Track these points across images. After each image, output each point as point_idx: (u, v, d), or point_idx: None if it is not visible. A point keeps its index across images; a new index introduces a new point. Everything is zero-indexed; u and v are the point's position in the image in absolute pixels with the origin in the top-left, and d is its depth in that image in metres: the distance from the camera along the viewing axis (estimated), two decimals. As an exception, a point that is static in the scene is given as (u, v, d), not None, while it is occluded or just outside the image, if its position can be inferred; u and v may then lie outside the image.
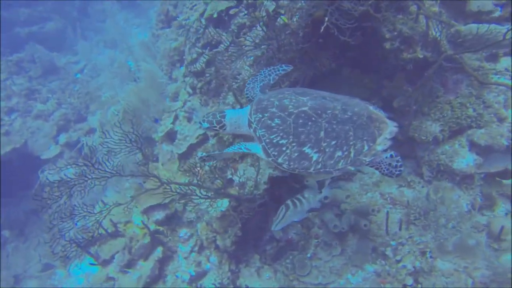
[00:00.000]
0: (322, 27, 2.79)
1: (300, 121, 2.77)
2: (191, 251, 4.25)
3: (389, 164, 2.93)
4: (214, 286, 3.78)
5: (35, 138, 8.18)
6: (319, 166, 2.76)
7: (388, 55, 3.89)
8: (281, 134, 2.79)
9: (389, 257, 3.68)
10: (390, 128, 2.85)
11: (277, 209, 3.47)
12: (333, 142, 2.74)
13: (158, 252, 4.07)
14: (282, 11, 3.30)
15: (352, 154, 2.76)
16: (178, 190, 3.19)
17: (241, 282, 4.04)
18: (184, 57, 5.46)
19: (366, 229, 4.14)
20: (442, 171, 4.27)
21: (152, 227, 4.14)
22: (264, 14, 3.29)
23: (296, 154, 2.77)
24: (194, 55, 4.84)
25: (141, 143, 3.86)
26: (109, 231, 3.76)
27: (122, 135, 3.70)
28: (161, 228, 4.16)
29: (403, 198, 4.48)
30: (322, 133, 2.74)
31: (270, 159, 2.85)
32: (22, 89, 9.11)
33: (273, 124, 2.82)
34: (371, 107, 2.98)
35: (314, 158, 2.75)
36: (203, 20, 4.75)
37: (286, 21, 3.16)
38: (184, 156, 4.50)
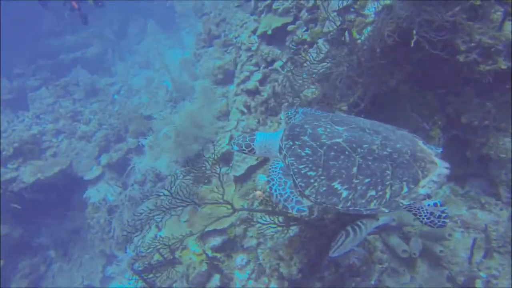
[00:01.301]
0: (412, 41, 2.60)
1: (332, 153, 2.56)
2: (249, 279, 4.03)
3: (431, 214, 2.62)
4: (278, 318, 3.53)
5: (79, 159, 8.39)
6: (348, 204, 2.52)
7: (461, 69, 3.61)
8: (310, 166, 2.60)
9: (480, 291, 3.29)
10: (440, 169, 2.54)
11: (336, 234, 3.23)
12: (367, 180, 2.48)
13: (216, 280, 3.88)
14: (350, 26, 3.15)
15: (387, 195, 2.47)
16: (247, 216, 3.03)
17: (304, 314, 3.75)
18: (234, 75, 5.41)
19: (441, 256, 3.77)
20: (525, 192, 3.86)
21: (209, 253, 3.98)
22: (330, 28, 3.15)
23: (324, 189, 2.55)
24: (247, 73, 4.77)
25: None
26: (167, 258, 3.63)
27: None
28: (218, 255, 3.99)
29: (477, 222, 4.07)
30: (355, 169, 2.50)
31: (297, 190, 2.65)
32: (68, 111, 9.46)
33: (303, 154, 2.64)
34: (420, 142, 2.70)
35: (344, 195, 2.51)
36: (255, 38, 4.69)
37: (355, 36, 3.00)
38: (241, 179, 4.35)
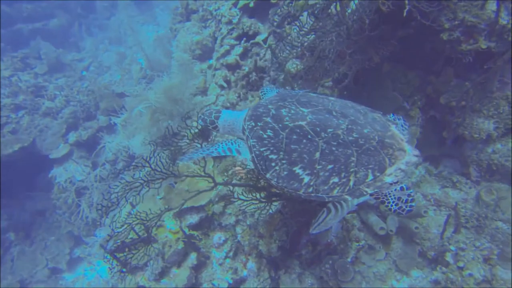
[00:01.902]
0: (405, 11, 2.52)
1: (294, 137, 2.45)
2: (226, 257, 3.95)
3: (398, 199, 2.53)
4: (256, 295, 3.50)
5: (43, 137, 7.82)
6: (310, 190, 2.44)
7: (444, 47, 3.63)
8: (271, 149, 2.50)
9: (450, 263, 3.41)
10: (408, 157, 2.46)
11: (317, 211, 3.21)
12: (330, 166, 2.40)
13: (192, 258, 3.76)
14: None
15: (351, 183, 2.40)
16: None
17: (282, 290, 3.74)
18: (214, 50, 5.16)
19: (416, 232, 3.88)
20: (494, 171, 4.02)
21: (186, 231, 3.83)
22: (315, 0, 3.03)
23: (285, 173, 2.46)
24: (227, 47, 4.55)
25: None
26: (141, 236, 3.45)
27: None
28: (195, 233, 3.86)
29: (448, 200, 4.22)
30: (317, 154, 2.41)
31: (260, 172, 2.56)
32: (28, 85, 8.73)
33: (265, 136, 2.53)
34: (392, 127, 2.61)
35: (305, 181, 2.43)
36: (236, 10, 4.46)
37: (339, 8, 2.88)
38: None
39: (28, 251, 7.95)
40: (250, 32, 4.37)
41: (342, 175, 2.41)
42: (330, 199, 2.47)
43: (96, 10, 15.82)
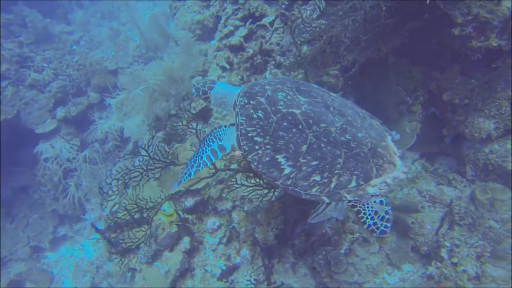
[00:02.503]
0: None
1: (285, 124, 2.32)
2: (219, 243, 3.89)
3: (375, 213, 2.43)
4: (250, 283, 3.45)
5: (29, 110, 7.48)
6: (288, 182, 2.32)
7: (453, 43, 3.58)
8: (258, 130, 2.38)
9: (445, 259, 3.44)
10: (397, 173, 2.34)
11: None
12: (314, 163, 2.28)
13: (186, 243, 3.67)
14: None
15: (332, 185, 2.28)
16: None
17: (276, 279, 3.72)
18: (216, 30, 4.96)
19: (412, 227, 3.90)
20: (490, 171, 4.06)
21: (180, 214, 3.73)
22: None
23: (267, 159, 2.34)
24: (231, 28, 4.37)
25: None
26: (136, 217, 3.33)
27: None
28: (189, 217, 3.76)
29: (443, 197, 4.26)
30: (304, 147, 2.28)
31: (240, 152, 2.45)
32: (12, 54, 8.28)
33: (255, 116, 2.41)
34: (388, 139, 2.50)
35: (286, 172, 2.31)
36: (243, -9, 4.27)
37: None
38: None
39: (8, 228, 7.70)
40: (257, 14, 4.19)
41: (325, 174, 2.29)
42: (307, 196, 2.35)
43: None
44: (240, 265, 3.80)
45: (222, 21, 4.61)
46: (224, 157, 3.74)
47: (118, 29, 10.91)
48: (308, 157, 2.29)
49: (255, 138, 2.38)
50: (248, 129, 2.41)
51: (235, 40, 4.34)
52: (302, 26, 3.45)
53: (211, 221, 3.88)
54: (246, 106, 2.46)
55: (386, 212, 2.44)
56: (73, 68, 8.13)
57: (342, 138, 2.31)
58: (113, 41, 9.83)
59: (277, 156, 2.32)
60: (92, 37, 11.12)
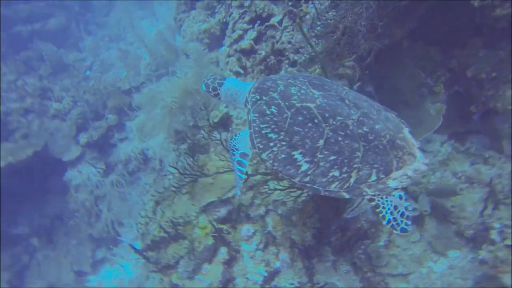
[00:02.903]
0: None
1: (300, 118, 2.24)
2: (256, 249, 3.87)
3: (395, 207, 2.29)
4: (293, 286, 3.42)
5: (55, 140, 7.74)
6: (306, 179, 2.24)
7: (474, 16, 3.42)
8: (272, 127, 2.29)
9: (497, 241, 3.29)
10: (418, 164, 2.25)
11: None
12: (332, 158, 2.19)
13: (223, 253, 3.69)
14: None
15: (352, 180, 2.20)
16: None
17: (318, 279, 3.67)
18: (224, 37, 4.96)
19: (452, 211, 3.76)
20: (529, 143, 3.85)
21: (215, 226, 3.74)
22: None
23: (283, 156, 2.26)
24: (240, 32, 4.36)
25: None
26: (171, 234, 3.37)
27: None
28: (223, 227, 3.77)
29: (481, 176, 4.07)
30: (321, 142, 2.20)
31: (254, 150, 2.36)
32: (35, 89, 8.63)
33: (268, 112, 2.32)
34: (405, 130, 2.40)
35: (303, 168, 2.23)
36: (247, -7, 4.25)
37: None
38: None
39: (52, 256, 7.99)
40: (264, 15, 4.16)
41: (344, 169, 2.21)
42: (327, 193, 2.27)
43: (93, 8, 15.56)
44: (280, 269, 3.77)
45: (230, 26, 4.61)
46: (249, 163, 3.72)
47: (127, 49, 11.15)
48: (326, 152, 2.21)
49: (270, 135, 2.31)
50: (261, 125, 2.34)
51: (245, 43, 4.33)
52: (311, 21, 3.39)
53: (246, 228, 3.87)
54: (259, 102, 2.39)
55: (406, 208, 2.34)
56: (89, 93, 8.36)
57: (360, 131, 2.23)
58: (123, 62, 10.05)
59: (293, 153, 2.25)
60: (103, 60, 11.41)
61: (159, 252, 3.39)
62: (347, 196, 2.24)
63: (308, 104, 2.27)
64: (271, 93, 2.38)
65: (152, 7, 14.31)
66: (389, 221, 2.32)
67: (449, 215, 3.87)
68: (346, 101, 2.34)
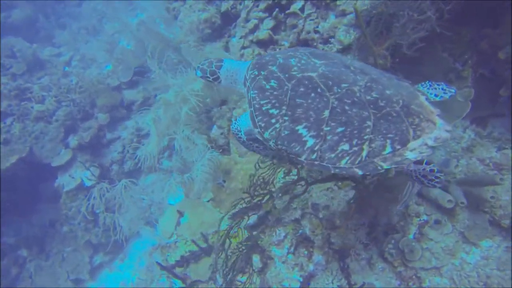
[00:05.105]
0: None
1: (301, 89, 2.05)
2: (288, 253, 3.66)
3: (424, 176, 2.08)
4: (334, 290, 3.25)
5: (41, 144, 7.13)
6: (313, 157, 2.02)
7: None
8: (273, 101, 2.11)
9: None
10: (438, 132, 2.01)
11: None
12: (340, 129, 1.98)
13: (256, 261, 3.45)
14: None
15: (364, 153, 1.98)
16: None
17: (355, 279, 3.51)
18: (230, 27, 4.57)
19: (483, 200, 3.66)
20: (559, 126, 3.79)
21: (246, 233, 3.49)
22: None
23: (286, 132, 2.06)
24: (255, 21, 4.00)
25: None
26: (202, 246, 3.08)
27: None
28: (254, 233, 3.52)
29: (510, 161, 4.00)
30: (326, 113, 1.99)
31: (256, 130, 2.16)
32: (10, 89, 7.87)
33: (268, 87, 2.14)
34: (421, 98, 2.16)
35: (309, 144, 2.03)
36: (262, -23, 3.86)
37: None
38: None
39: (45, 266, 7.50)
40: (283, 1, 3.80)
41: (354, 142, 1.99)
42: (337, 170, 2.04)
43: (64, -3, 14.42)
44: (315, 272, 3.58)
45: (242, 15, 4.22)
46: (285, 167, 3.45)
47: (108, 41, 10.41)
48: (332, 124, 2.00)
49: (271, 111, 2.12)
50: (261, 102, 2.14)
51: (263, 34, 3.96)
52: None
53: (277, 232, 3.64)
54: (257, 77, 2.21)
55: (431, 170, 2.08)
56: (75, 92, 7.74)
57: (368, 97, 2.01)
58: (106, 55, 9.38)
59: (297, 128, 2.05)
60: (83, 55, 10.63)
61: (188, 267, 3.10)
62: (360, 172, 2.02)
63: (310, 74, 2.08)
64: (270, 67, 2.20)
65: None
66: (421, 182, 2.12)
67: (482, 205, 3.78)
68: (352, 68, 2.14)
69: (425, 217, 4.02)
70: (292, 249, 3.70)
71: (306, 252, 3.71)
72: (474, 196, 3.76)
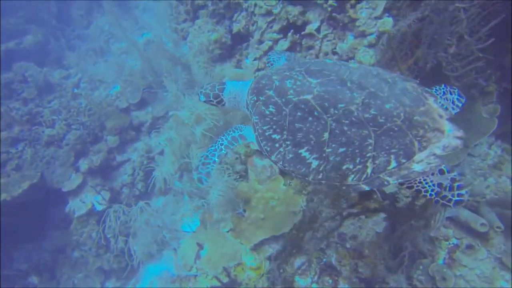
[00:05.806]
0: None
1: (299, 114, 2.09)
2: (312, 282, 3.46)
3: (439, 186, 2.06)
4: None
5: (52, 169, 7.07)
6: (319, 176, 2.09)
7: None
8: (274, 127, 2.19)
9: None
10: (447, 140, 1.99)
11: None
12: (341, 150, 2.01)
13: (280, 293, 3.26)
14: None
15: (369, 170, 2.00)
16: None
17: (385, 311, 3.29)
18: (250, 47, 4.50)
19: (523, 225, 3.44)
20: None
21: (267, 265, 3.31)
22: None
23: (290, 156, 2.14)
24: (269, 43, 3.93)
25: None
26: (224, 281, 2.91)
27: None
28: (277, 263, 3.34)
29: (542, 180, 3.80)
30: (326, 135, 2.04)
31: (264, 154, 2.28)
32: (21, 114, 7.89)
33: (267, 112, 2.22)
34: (430, 100, 2.08)
35: (313, 166, 2.09)
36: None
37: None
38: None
39: (56, 293, 7.33)
40: (299, 22, 3.72)
41: (357, 160, 2.02)
42: (344, 188, 2.09)
43: (72, 21, 14.70)
44: (343, 304, 3.37)
45: (256, 37, 4.16)
46: (304, 191, 3.29)
47: (115, 62, 10.49)
48: (333, 145, 2.04)
49: (273, 136, 2.20)
50: (263, 127, 2.23)
51: (277, 55, 3.90)
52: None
53: (299, 261, 3.45)
54: (257, 103, 2.28)
55: (453, 180, 2.09)
56: (84, 115, 7.72)
57: (367, 115, 2.01)
58: (114, 76, 9.42)
59: (300, 151, 2.12)
60: (91, 76, 10.70)
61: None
62: (367, 188, 2.05)
63: (305, 97, 2.11)
64: (267, 91, 2.25)
65: (135, 16, 13.62)
66: (437, 201, 2.10)
67: (518, 227, 3.56)
68: (348, 83, 2.10)
69: (454, 241, 3.81)
70: (316, 278, 3.51)
71: (330, 281, 3.51)
72: (508, 219, 3.54)
